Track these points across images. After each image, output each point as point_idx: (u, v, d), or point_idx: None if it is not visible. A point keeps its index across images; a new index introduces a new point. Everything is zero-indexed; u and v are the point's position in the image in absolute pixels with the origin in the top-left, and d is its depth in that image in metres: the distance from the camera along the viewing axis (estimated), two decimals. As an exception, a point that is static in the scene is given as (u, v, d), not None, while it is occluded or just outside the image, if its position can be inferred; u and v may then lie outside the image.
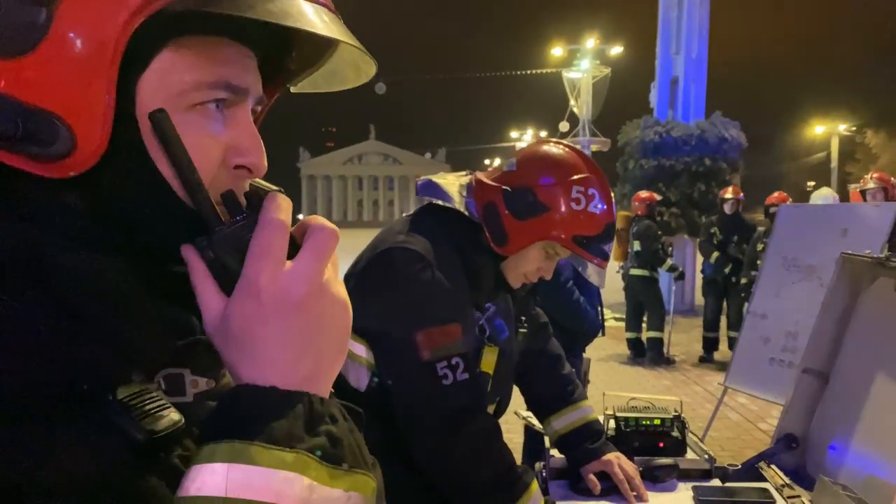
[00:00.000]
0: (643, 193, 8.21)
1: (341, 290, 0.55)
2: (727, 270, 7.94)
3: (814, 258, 4.08)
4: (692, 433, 2.13)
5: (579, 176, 1.59)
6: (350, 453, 0.51)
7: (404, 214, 1.72)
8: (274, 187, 0.61)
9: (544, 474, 1.90)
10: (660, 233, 7.96)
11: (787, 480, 1.86)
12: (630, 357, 8.09)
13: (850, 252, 2.06)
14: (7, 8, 0.48)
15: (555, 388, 1.99)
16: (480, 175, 1.69)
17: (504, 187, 1.60)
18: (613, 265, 7.21)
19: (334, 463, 0.50)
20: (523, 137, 41.00)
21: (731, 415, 5.81)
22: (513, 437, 2.79)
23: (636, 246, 7.67)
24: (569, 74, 24.18)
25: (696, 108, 12.80)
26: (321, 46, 0.64)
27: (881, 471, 1.78)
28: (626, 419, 2.05)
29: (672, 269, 8.06)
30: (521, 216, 1.58)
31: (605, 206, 1.61)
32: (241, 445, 0.47)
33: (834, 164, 38.60)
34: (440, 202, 1.61)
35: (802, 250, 4.22)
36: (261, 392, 0.50)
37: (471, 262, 1.60)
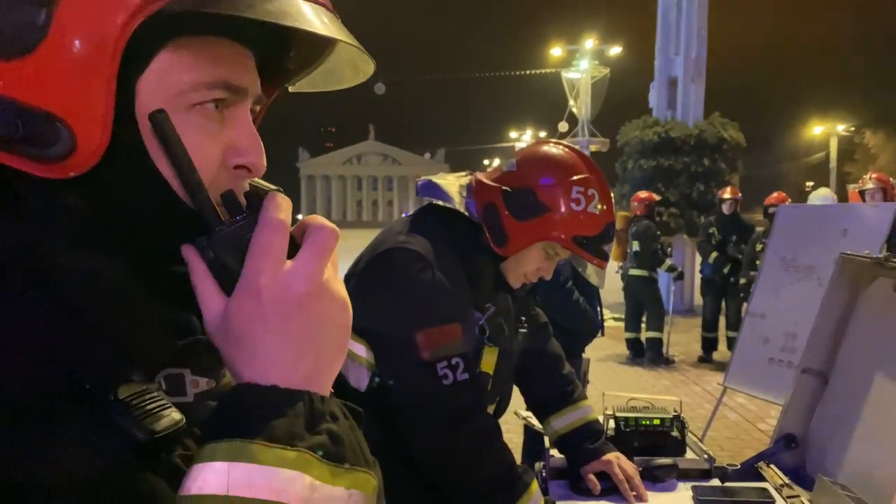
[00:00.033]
0: (642, 194, 8.22)
1: (341, 290, 0.55)
2: (726, 270, 7.95)
3: (813, 258, 4.08)
4: (692, 433, 2.13)
5: (579, 176, 1.59)
6: (351, 451, 0.51)
7: (404, 215, 1.72)
8: (273, 187, 0.61)
9: (544, 474, 1.90)
10: (659, 233, 7.96)
11: (787, 480, 1.86)
12: (629, 357, 8.09)
13: (849, 252, 2.06)
14: (6, 9, 0.48)
15: (555, 388, 1.99)
16: (480, 175, 1.69)
17: (504, 188, 1.60)
18: (612, 265, 7.21)
19: (335, 461, 0.50)
20: (522, 138, 41.02)
21: (730, 415, 5.81)
22: (512, 437, 2.79)
23: (635, 246, 7.68)
24: (568, 75, 24.18)
25: (695, 108, 12.80)
26: (319, 46, 0.64)
27: (881, 470, 1.78)
28: (626, 419, 2.05)
29: (671, 269, 8.07)
30: (521, 217, 1.58)
31: (605, 207, 1.61)
32: (242, 444, 0.47)
33: (833, 164, 38.64)
34: (440, 202, 1.62)
35: (801, 250, 4.22)
36: (261, 391, 0.51)
37: (471, 262, 1.60)
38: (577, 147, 1.73)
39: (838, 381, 2.05)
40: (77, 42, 0.48)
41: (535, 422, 2.12)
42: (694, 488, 1.83)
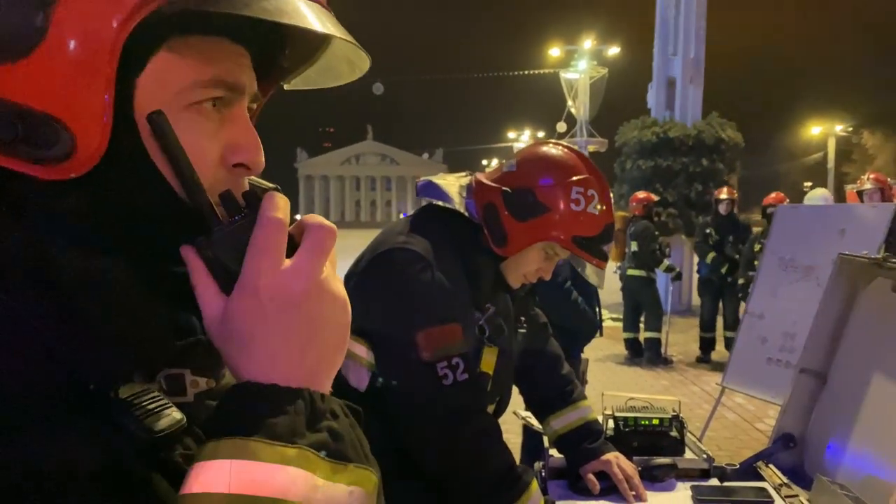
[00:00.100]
0: (640, 194, 8.22)
1: (340, 288, 0.56)
2: (723, 271, 7.96)
3: (811, 259, 4.08)
4: (690, 433, 2.13)
5: (579, 177, 1.60)
6: (352, 449, 0.52)
7: (403, 215, 1.73)
8: (272, 186, 0.61)
9: (543, 474, 1.91)
10: (657, 233, 7.97)
11: (785, 480, 1.86)
12: (628, 357, 8.09)
13: (847, 252, 2.06)
14: (4, 11, 0.48)
15: (554, 388, 1.99)
16: (480, 176, 1.69)
17: (504, 188, 1.60)
18: (611, 266, 7.22)
19: (337, 458, 0.50)
20: (520, 138, 41.01)
21: (728, 415, 5.82)
22: (512, 437, 2.79)
23: (633, 246, 7.68)
24: (566, 75, 24.15)
25: (694, 108, 12.82)
26: (315, 42, 0.64)
27: (879, 470, 1.78)
28: (625, 419, 2.05)
29: (669, 269, 8.07)
30: (520, 217, 1.58)
31: (605, 207, 1.61)
32: (243, 442, 0.47)
33: (831, 164, 38.68)
34: (440, 203, 1.62)
35: (800, 251, 4.22)
36: (262, 389, 0.51)
37: (471, 262, 1.61)
38: (575, 147, 1.74)
39: (836, 381, 2.05)
40: (75, 43, 0.48)
41: (534, 422, 2.12)
42: (693, 488, 1.83)
